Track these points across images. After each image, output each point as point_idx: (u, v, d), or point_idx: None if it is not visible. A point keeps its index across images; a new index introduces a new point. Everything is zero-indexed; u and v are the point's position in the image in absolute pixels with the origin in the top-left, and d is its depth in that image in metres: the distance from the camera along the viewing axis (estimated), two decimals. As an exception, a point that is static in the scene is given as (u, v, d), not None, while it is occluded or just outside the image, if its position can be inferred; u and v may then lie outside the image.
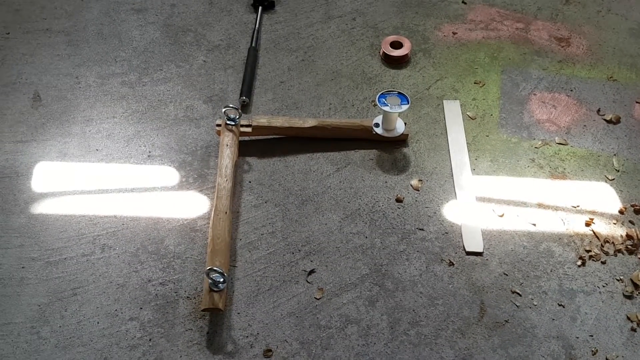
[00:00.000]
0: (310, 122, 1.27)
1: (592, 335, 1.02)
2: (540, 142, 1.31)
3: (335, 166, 1.27)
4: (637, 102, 1.40)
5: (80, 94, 1.39)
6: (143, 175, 1.24)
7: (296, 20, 1.59)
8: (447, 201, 1.21)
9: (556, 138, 1.32)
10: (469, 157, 1.28)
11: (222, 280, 1.00)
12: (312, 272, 1.10)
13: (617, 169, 1.27)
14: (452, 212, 1.19)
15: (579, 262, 1.12)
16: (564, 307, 1.06)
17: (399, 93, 1.24)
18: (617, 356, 1.00)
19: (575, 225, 1.17)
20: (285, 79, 1.44)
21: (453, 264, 1.11)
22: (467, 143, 1.30)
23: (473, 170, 1.26)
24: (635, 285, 1.08)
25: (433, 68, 1.47)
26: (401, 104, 1.22)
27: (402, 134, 1.28)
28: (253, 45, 1.49)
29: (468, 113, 1.37)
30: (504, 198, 1.22)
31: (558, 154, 1.30)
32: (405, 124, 1.29)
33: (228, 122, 1.24)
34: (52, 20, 1.57)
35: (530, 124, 1.35)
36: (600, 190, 1.23)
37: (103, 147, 1.29)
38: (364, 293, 1.07)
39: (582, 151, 1.30)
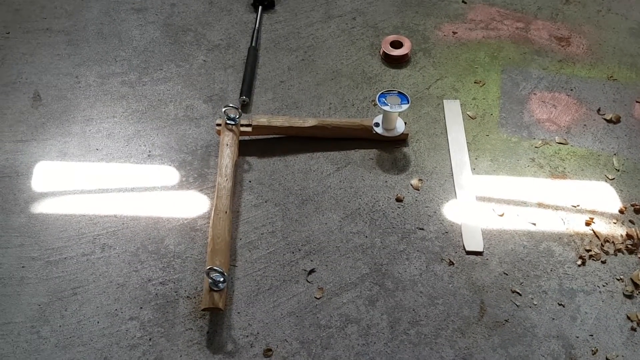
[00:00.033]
0: (310, 122, 1.27)
1: (592, 335, 1.02)
2: (540, 142, 1.31)
3: (335, 166, 1.27)
4: (637, 102, 1.40)
5: (80, 94, 1.39)
6: (143, 175, 1.24)
7: (296, 20, 1.59)
8: (447, 201, 1.21)
9: (556, 137, 1.32)
10: (469, 157, 1.28)
11: (222, 279, 1.00)
12: (312, 271, 1.10)
13: (617, 168, 1.27)
14: (452, 211, 1.19)
15: (579, 262, 1.11)
16: (564, 306, 1.06)
17: (399, 92, 1.24)
18: (617, 356, 1.00)
19: (576, 224, 1.17)
20: (285, 79, 1.44)
21: (453, 264, 1.11)
22: (467, 142, 1.30)
23: (473, 169, 1.26)
24: (635, 284, 1.08)
25: (433, 67, 1.47)
26: (401, 104, 1.22)
27: (402, 133, 1.28)
28: (253, 44, 1.49)
29: (468, 112, 1.37)
30: (504, 197, 1.22)
31: (558, 153, 1.29)
32: (405, 123, 1.29)
33: (228, 121, 1.24)
34: (52, 19, 1.57)
35: (531, 124, 1.35)
36: (601, 190, 1.23)
37: (103, 146, 1.29)
38: (364, 292, 1.07)
39: (582, 151, 1.30)
